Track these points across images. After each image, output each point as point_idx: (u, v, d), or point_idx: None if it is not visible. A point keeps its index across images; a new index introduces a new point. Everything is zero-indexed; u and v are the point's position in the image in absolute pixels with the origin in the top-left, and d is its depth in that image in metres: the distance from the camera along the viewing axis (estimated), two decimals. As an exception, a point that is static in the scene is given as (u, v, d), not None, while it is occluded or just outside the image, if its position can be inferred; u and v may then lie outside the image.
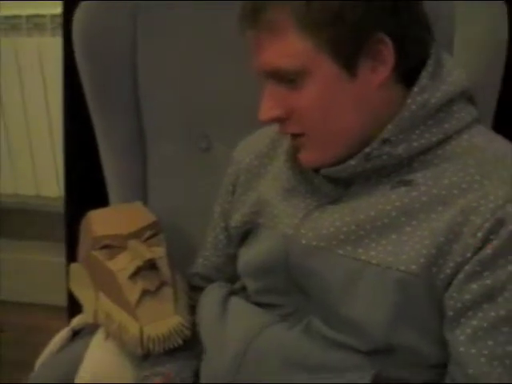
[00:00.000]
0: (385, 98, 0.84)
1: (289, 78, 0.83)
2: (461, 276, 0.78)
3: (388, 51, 0.82)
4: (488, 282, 0.77)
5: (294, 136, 0.89)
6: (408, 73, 0.85)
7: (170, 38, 1.17)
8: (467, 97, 0.89)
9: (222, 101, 1.17)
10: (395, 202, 0.83)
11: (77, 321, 1.16)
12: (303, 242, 0.88)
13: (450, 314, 0.79)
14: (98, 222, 1.10)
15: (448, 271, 0.79)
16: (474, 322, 0.78)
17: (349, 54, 0.81)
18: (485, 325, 0.77)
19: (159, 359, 1.01)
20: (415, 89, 0.84)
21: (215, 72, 1.16)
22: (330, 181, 0.90)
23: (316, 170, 0.91)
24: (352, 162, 0.85)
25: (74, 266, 1.14)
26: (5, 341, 2.20)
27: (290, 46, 0.81)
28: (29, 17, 1.95)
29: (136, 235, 1.07)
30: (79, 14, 1.12)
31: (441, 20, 1.01)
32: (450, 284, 0.79)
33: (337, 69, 0.82)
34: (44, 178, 2.12)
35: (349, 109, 0.84)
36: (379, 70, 0.83)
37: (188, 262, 1.15)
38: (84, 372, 1.04)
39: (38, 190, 2.14)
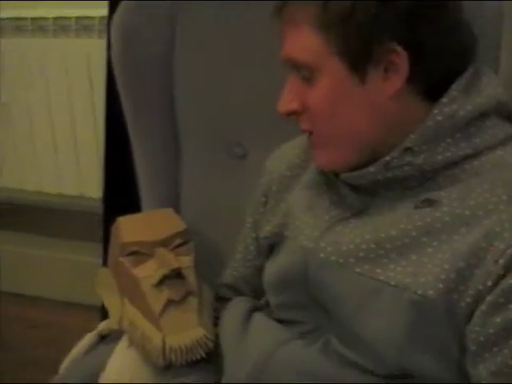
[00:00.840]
0: (402, 108, 0.83)
1: (304, 73, 0.84)
2: (483, 307, 0.74)
3: (401, 62, 0.80)
4: None
5: (309, 135, 0.89)
6: (434, 86, 0.83)
7: (208, 39, 1.16)
8: (506, 112, 0.85)
9: (258, 107, 1.15)
10: (417, 221, 0.80)
11: (103, 326, 1.14)
12: (321, 255, 0.86)
13: (473, 348, 0.76)
14: (127, 229, 1.08)
15: (469, 300, 0.75)
16: (499, 359, 0.74)
17: (357, 58, 0.81)
18: (510, 362, 0.73)
19: (181, 370, 1.00)
20: (444, 99, 0.82)
21: (253, 77, 1.14)
22: (355, 190, 0.88)
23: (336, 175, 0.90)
24: (371, 169, 0.83)
25: (101, 270, 1.14)
26: (37, 338, 2.23)
27: (304, 40, 0.83)
28: (78, 18, 1.97)
29: (164, 243, 1.05)
30: (118, 14, 1.12)
31: (485, 22, 0.98)
32: (470, 313, 0.75)
33: (346, 71, 0.82)
34: (87, 179, 2.13)
35: (358, 112, 0.83)
36: (392, 80, 0.81)
37: (217, 271, 1.13)
38: (105, 379, 1.03)
39: (82, 191, 2.16)
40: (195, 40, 1.16)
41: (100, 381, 1.03)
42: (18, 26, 2.07)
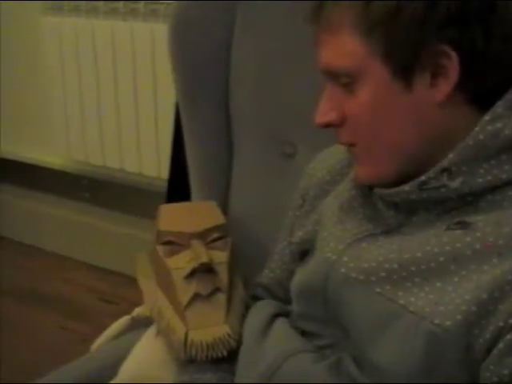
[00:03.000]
0: (449, 118, 0.76)
1: (344, 81, 0.78)
2: (501, 346, 0.69)
3: (451, 66, 0.73)
4: None
5: (350, 148, 0.83)
6: (485, 94, 0.76)
7: (266, 35, 1.14)
8: None
9: (310, 107, 1.11)
10: (446, 245, 0.74)
11: (138, 311, 1.15)
12: (342, 270, 0.82)
13: None
14: (166, 217, 1.08)
15: (487, 336, 0.69)
16: None
17: (403, 62, 0.74)
18: None
19: (203, 366, 0.98)
20: (486, 117, 0.75)
21: (308, 75, 1.11)
22: (392, 207, 0.82)
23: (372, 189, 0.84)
24: (406, 188, 0.78)
25: (141, 255, 1.14)
26: (111, 312, 2.28)
27: (343, 46, 0.77)
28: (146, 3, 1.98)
29: (201, 236, 1.04)
30: (176, 5, 1.11)
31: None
32: (488, 351, 0.70)
33: (390, 77, 0.75)
34: (147, 157, 2.16)
35: (403, 122, 0.76)
36: (440, 86, 0.74)
37: (258, 269, 1.11)
38: (129, 364, 1.04)
39: (141, 169, 2.20)
40: (253, 34, 1.14)
41: (123, 366, 1.04)
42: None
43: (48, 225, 2.59)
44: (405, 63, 0.74)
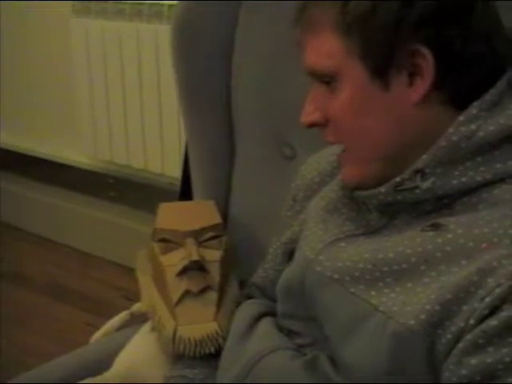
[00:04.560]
0: (426, 118, 0.76)
1: (325, 81, 0.79)
2: (460, 345, 0.68)
3: (426, 66, 0.73)
4: (489, 360, 0.67)
5: (341, 152, 0.84)
6: (463, 95, 0.75)
7: (268, 36, 1.14)
8: None
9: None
10: (418, 246, 0.75)
11: (136, 307, 1.17)
12: (318, 269, 0.83)
13: None
14: (164, 215, 1.11)
15: (449, 336, 0.69)
16: None
17: (379, 62, 0.75)
18: None
19: (192, 362, 1.00)
20: (461, 117, 0.74)
21: (307, 77, 1.12)
22: (376, 209, 0.83)
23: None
24: (382, 190, 0.78)
25: (141, 252, 1.16)
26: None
27: (323, 46, 0.78)
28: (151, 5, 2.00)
29: (195, 234, 1.06)
30: (181, 4, 1.13)
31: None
32: (449, 351, 0.69)
33: (368, 76, 0.76)
34: (170, 158, 2.19)
35: (382, 121, 0.77)
36: (416, 86, 0.75)
37: (257, 269, 1.13)
38: (123, 357, 1.06)
39: (164, 169, 2.22)
40: (255, 36, 1.15)
41: (117, 358, 1.06)
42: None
43: (74, 222, 2.63)
44: (381, 63, 0.75)
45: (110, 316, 2.28)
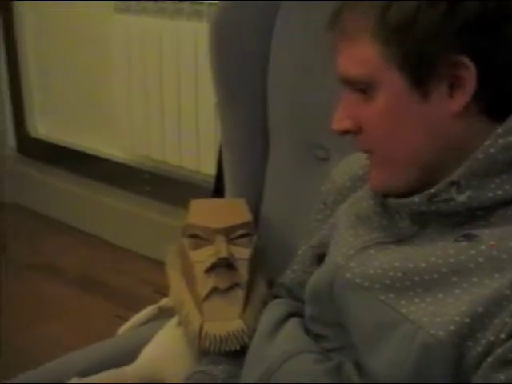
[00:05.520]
0: (463, 129, 0.75)
1: (360, 88, 0.78)
2: (490, 359, 0.68)
3: (469, 76, 0.72)
4: None
5: (369, 155, 0.83)
6: (500, 106, 0.75)
7: (304, 39, 1.14)
8: None
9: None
10: (450, 257, 0.74)
11: (164, 301, 1.18)
12: (347, 275, 0.82)
13: None
14: (196, 211, 1.12)
15: (479, 349, 0.69)
16: None
17: (419, 73, 0.73)
18: None
19: (217, 359, 1.00)
20: (499, 130, 0.74)
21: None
22: (408, 217, 0.82)
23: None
24: (416, 199, 0.77)
25: (171, 247, 1.17)
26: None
27: (360, 53, 0.76)
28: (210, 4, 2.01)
29: (225, 232, 1.06)
30: (219, 4, 1.14)
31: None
32: (479, 364, 0.69)
33: (406, 87, 0.75)
34: (205, 155, 2.20)
35: (418, 132, 0.76)
36: (456, 97, 0.74)
37: (285, 270, 1.13)
38: (149, 350, 1.07)
39: (199, 166, 2.23)
40: (292, 38, 1.15)
41: (143, 350, 1.07)
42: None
43: (108, 216, 2.66)
44: (421, 73, 0.74)
45: (139, 310, 2.30)
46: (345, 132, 0.81)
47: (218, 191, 1.62)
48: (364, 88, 0.78)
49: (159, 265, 2.51)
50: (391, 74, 0.75)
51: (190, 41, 2.12)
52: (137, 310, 2.23)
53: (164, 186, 2.46)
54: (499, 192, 0.74)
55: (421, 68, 0.74)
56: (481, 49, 0.73)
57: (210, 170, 2.28)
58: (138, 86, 2.33)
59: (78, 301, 2.31)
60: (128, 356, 1.07)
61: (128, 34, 2.28)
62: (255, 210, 1.22)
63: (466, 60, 0.72)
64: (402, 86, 0.75)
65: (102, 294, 2.35)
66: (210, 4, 2.02)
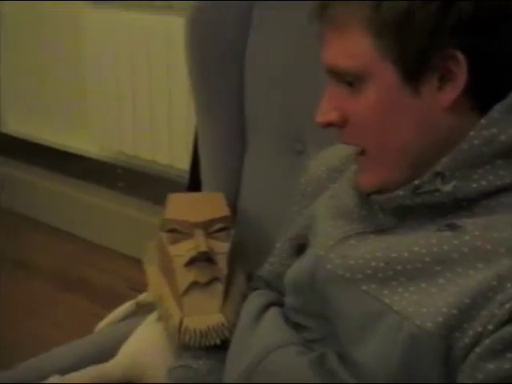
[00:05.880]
0: (453, 123, 0.75)
1: (347, 80, 0.77)
2: (478, 350, 0.68)
3: (460, 71, 0.72)
4: (507, 366, 0.67)
5: (357, 155, 0.82)
6: (490, 100, 0.75)
7: (280, 34, 1.14)
8: None
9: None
10: (433, 247, 0.74)
11: (142, 297, 1.18)
12: (328, 266, 0.82)
13: None
14: (173, 206, 1.11)
15: (467, 340, 0.69)
16: None
17: (413, 66, 0.73)
18: None
19: (197, 353, 1.00)
20: (483, 121, 0.74)
21: (320, 74, 1.12)
22: (388, 209, 0.82)
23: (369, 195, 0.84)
24: (400, 193, 0.77)
25: (150, 243, 1.17)
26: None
27: (351, 45, 0.75)
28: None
29: (204, 225, 1.06)
30: (194, 4, 1.13)
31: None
32: (467, 355, 0.69)
33: (398, 79, 0.74)
34: (178, 150, 2.19)
35: (409, 126, 0.75)
36: (447, 90, 0.73)
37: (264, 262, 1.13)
38: (128, 346, 1.06)
39: (173, 161, 2.22)
40: (268, 34, 1.15)
41: (123, 347, 1.06)
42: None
43: (82, 212, 2.64)
44: (415, 66, 0.73)
45: (116, 306, 2.29)
46: (329, 124, 0.80)
47: (192, 186, 1.61)
48: (351, 81, 0.77)
49: (135, 261, 2.51)
50: (383, 66, 0.75)
51: (162, 35, 2.10)
52: (113, 306, 2.22)
53: (138, 182, 2.45)
54: (483, 183, 0.74)
55: (414, 61, 0.73)
56: (474, 45, 0.73)
57: (184, 164, 2.27)
58: (111, 81, 2.31)
59: (54, 297, 2.29)
60: (108, 352, 1.06)
61: (100, 29, 2.26)
62: (233, 203, 1.21)
63: (459, 55, 0.72)
64: (394, 79, 0.74)
65: (77, 291, 2.33)
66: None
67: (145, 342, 1.06)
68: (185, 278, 1.01)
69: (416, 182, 0.76)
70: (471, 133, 0.74)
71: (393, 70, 0.74)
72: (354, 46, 0.75)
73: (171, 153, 2.27)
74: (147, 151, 2.34)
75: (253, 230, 1.21)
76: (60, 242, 2.62)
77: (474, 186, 0.74)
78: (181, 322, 0.99)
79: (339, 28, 0.76)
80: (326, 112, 0.80)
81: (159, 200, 2.40)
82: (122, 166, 2.46)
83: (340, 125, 0.80)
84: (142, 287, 2.45)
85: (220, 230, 1.07)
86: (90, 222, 2.62)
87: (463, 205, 0.76)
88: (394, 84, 0.74)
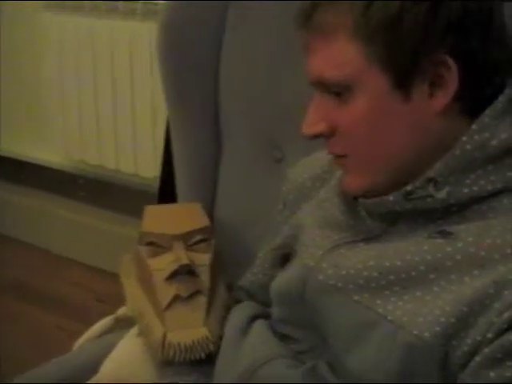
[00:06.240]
0: (444, 128, 0.75)
1: (335, 90, 0.75)
2: (478, 359, 0.68)
3: (450, 76, 0.72)
4: (508, 374, 0.67)
5: (338, 157, 0.81)
6: (478, 104, 0.75)
7: (256, 37, 1.13)
8: None
9: (300, 112, 1.11)
10: (427, 254, 0.74)
11: (122, 311, 1.15)
12: (320, 277, 0.81)
13: None
14: (150, 218, 1.09)
15: (465, 348, 0.69)
16: None
17: (403, 71, 0.72)
18: None
19: (181, 369, 0.98)
20: (474, 126, 0.74)
21: (296, 79, 1.10)
22: (376, 215, 0.81)
23: (356, 199, 0.83)
24: (390, 198, 0.77)
25: (126, 256, 1.14)
26: (107, 312, 2.27)
27: (339, 54, 0.74)
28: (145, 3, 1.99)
29: (183, 238, 1.04)
30: (168, 4, 1.11)
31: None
32: (465, 363, 0.69)
33: (388, 86, 0.73)
34: (143, 158, 2.17)
35: (399, 133, 0.75)
36: (438, 96, 0.73)
37: (244, 272, 1.11)
38: (109, 363, 1.04)
39: (137, 170, 2.20)
40: (243, 37, 1.13)
41: (103, 364, 1.04)
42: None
43: (43, 222, 2.59)
44: (405, 72, 0.73)
45: (80, 318, 2.25)
46: (317, 136, 0.79)
47: (163, 195, 1.59)
48: (340, 90, 0.75)
49: (98, 272, 2.48)
50: (372, 74, 0.73)
51: (125, 40, 2.07)
52: (77, 318, 2.19)
53: (100, 191, 2.41)
54: (475, 188, 0.74)
55: (405, 67, 0.73)
56: (464, 49, 0.72)
57: (148, 173, 2.25)
58: (71, 88, 2.26)
59: (15, 311, 2.23)
60: (88, 369, 1.04)
61: (59, 34, 2.21)
62: (210, 212, 1.20)
63: (449, 60, 0.72)
64: (384, 87, 0.74)
65: (39, 303, 2.28)
66: (144, 3, 1.98)
67: (126, 359, 1.04)
68: (166, 292, 0.99)
69: (408, 187, 0.75)
70: (463, 138, 0.74)
71: (382, 77, 0.73)
72: (340, 55, 0.74)
73: (135, 161, 2.24)
74: (110, 160, 2.30)
75: (229, 239, 1.20)
76: (21, 254, 2.56)
77: (466, 191, 0.74)
78: (164, 337, 0.97)
79: (325, 36, 0.75)
80: (313, 124, 0.78)
81: (123, 209, 2.38)
82: (83, 175, 2.42)
83: (328, 136, 0.79)
84: (106, 298, 2.42)
85: (200, 241, 1.06)
86: (51, 232, 2.57)
87: (453, 210, 0.76)
88: (384, 91, 0.74)
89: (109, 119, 2.23)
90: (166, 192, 1.51)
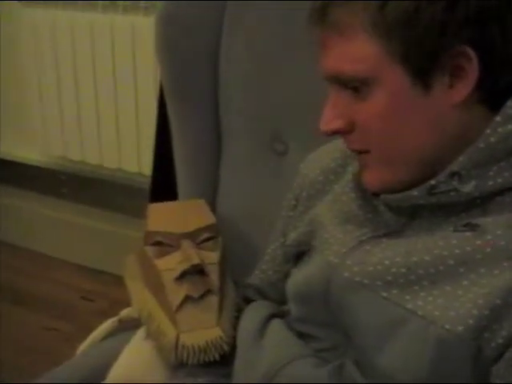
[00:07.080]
0: (464, 119, 0.74)
1: (353, 86, 0.74)
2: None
3: (471, 67, 0.71)
4: None
5: (360, 153, 0.80)
6: (497, 95, 0.74)
7: (255, 33, 1.11)
8: None
9: (302, 105, 1.09)
10: (455, 248, 0.72)
11: (125, 312, 1.12)
12: (345, 274, 0.79)
13: None
14: (155, 217, 1.06)
15: (500, 341, 0.68)
16: None
17: (423, 64, 0.71)
18: None
19: (194, 370, 0.96)
20: (497, 118, 0.73)
21: (299, 72, 1.09)
22: (395, 209, 0.80)
23: (376, 195, 0.82)
24: (414, 193, 0.75)
25: (130, 257, 1.11)
26: (93, 311, 2.24)
27: (357, 50, 0.72)
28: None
29: (191, 236, 1.02)
30: (165, 1, 1.08)
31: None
32: (500, 356, 0.68)
33: (409, 81, 0.72)
34: (127, 153, 2.13)
35: (420, 127, 0.74)
36: (458, 87, 0.72)
37: (248, 269, 1.09)
38: (118, 369, 1.01)
39: (121, 164, 2.16)
40: (242, 33, 1.11)
41: (112, 370, 1.01)
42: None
43: (25, 221, 2.54)
44: (425, 65, 0.71)
45: (67, 317, 2.20)
46: (335, 133, 0.78)
47: (156, 191, 1.56)
48: (357, 86, 0.74)
49: (84, 270, 2.44)
50: (392, 69, 0.72)
51: (105, 34, 2.02)
52: (65, 318, 2.15)
53: (83, 187, 2.37)
54: (499, 180, 0.73)
55: (424, 60, 0.71)
56: (482, 39, 0.71)
57: (132, 167, 2.21)
58: (51, 83, 2.21)
59: (4, 311, 2.18)
60: (96, 375, 1.01)
61: (37, 29, 2.15)
62: (211, 208, 1.17)
63: (469, 50, 0.71)
64: (404, 81, 0.72)
65: (26, 304, 2.24)
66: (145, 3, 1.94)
67: (136, 364, 1.01)
68: (176, 293, 0.97)
69: (432, 182, 0.74)
70: (487, 131, 0.73)
71: (402, 72, 0.72)
72: (360, 50, 0.73)
73: (119, 156, 2.20)
74: (93, 156, 2.25)
75: (232, 235, 1.17)
76: (3, 254, 2.51)
77: (490, 183, 0.73)
78: (177, 339, 0.94)
79: (342, 32, 0.73)
80: (331, 120, 0.77)
81: (107, 205, 2.34)
82: (65, 171, 2.38)
83: (346, 132, 0.78)
84: (94, 297, 2.38)
85: (207, 239, 1.03)
86: (33, 230, 2.52)
87: (477, 203, 0.75)
88: (404, 85, 0.72)
89: (91, 114, 2.18)
90: (159, 189, 1.48)
